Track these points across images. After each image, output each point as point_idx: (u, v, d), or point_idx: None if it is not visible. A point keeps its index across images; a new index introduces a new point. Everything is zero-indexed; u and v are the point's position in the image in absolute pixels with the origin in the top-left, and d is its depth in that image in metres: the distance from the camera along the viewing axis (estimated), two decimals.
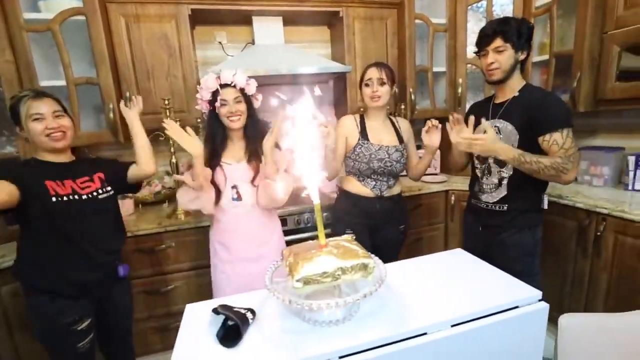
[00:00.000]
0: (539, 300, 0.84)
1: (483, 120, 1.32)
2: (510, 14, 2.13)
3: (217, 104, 1.38)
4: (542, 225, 1.42)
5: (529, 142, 1.29)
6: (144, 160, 1.37)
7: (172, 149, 1.88)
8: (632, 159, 1.75)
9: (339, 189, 1.77)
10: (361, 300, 0.73)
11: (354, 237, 1.60)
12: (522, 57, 1.32)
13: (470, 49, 2.20)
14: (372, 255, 0.83)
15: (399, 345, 0.73)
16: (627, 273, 1.50)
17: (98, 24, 1.69)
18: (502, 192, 1.40)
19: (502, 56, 1.29)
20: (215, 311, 0.83)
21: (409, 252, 2.11)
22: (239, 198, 1.44)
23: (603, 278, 1.60)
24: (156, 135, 1.89)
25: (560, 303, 1.79)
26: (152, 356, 1.88)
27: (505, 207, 1.40)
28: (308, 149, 0.78)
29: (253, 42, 2.19)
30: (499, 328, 0.80)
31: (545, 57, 1.97)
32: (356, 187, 1.64)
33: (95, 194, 1.25)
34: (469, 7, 2.22)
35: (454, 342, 0.77)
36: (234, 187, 1.44)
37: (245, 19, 2.13)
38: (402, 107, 2.29)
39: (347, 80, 2.20)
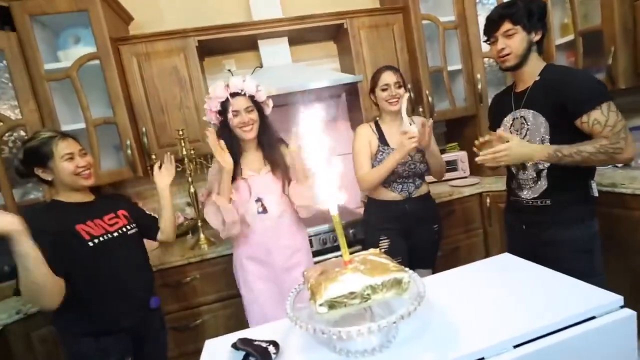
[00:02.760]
0: (621, 307, 0.68)
1: (498, 130, 1.21)
2: None
3: (229, 115, 1.33)
4: (596, 216, 1.24)
5: (560, 129, 1.15)
6: (169, 230, 1.42)
7: (189, 179, 1.87)
8: None
9: (367, 199, 1.71)
10: (399, 323, 0.62)
11: (387, 246, 1.53)
12: (536, 38, 1.19)
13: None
14: (407, 269, 0.71)
15: None
16: None
17: (112, 66, 1.75)
18: (543, 185, 1.24)
19: (512, 40, 1.18)
20: (235, 346, 0.74)
21: (446, 263, 1.94)
22: (264, 211, 1.38)
23: None
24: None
25: (632, 306, 1.54)
26: None
27: (549, 202, 1.24)
28: (325, 162, 0.73)
29: (261, 66, 2.21)
30: (574, 345, 0.65)
31: (570, 37, 1.82)
32: (383, 193, 1.59)
33: (124, 229, 1.27)
34: (478, 0, 2.13)
35: None
36: (258, 200, 1.38)
37: (251, 44, 2.15)
38: (420, 109, 2.19)
39: (360, 90, 2.14)
